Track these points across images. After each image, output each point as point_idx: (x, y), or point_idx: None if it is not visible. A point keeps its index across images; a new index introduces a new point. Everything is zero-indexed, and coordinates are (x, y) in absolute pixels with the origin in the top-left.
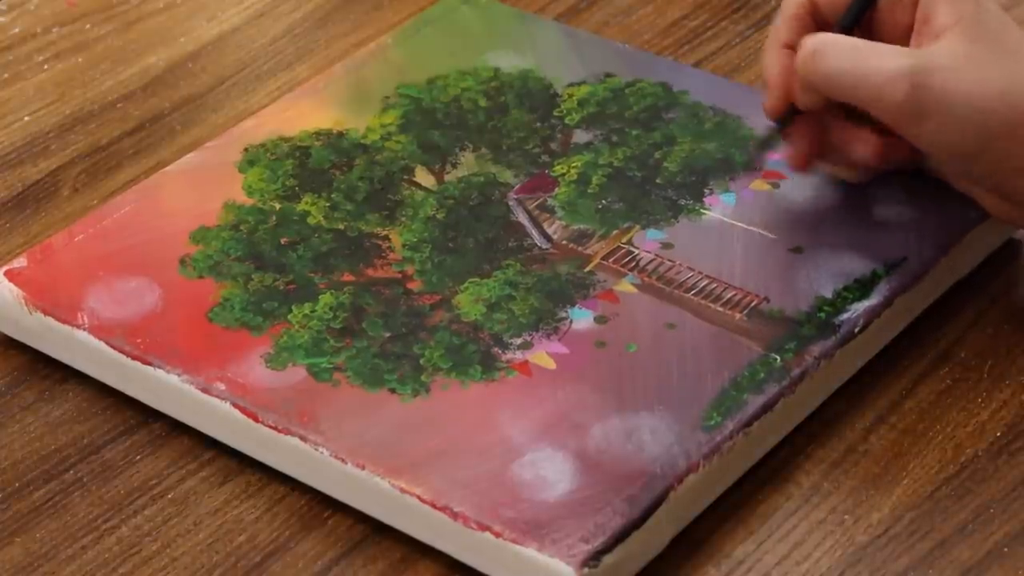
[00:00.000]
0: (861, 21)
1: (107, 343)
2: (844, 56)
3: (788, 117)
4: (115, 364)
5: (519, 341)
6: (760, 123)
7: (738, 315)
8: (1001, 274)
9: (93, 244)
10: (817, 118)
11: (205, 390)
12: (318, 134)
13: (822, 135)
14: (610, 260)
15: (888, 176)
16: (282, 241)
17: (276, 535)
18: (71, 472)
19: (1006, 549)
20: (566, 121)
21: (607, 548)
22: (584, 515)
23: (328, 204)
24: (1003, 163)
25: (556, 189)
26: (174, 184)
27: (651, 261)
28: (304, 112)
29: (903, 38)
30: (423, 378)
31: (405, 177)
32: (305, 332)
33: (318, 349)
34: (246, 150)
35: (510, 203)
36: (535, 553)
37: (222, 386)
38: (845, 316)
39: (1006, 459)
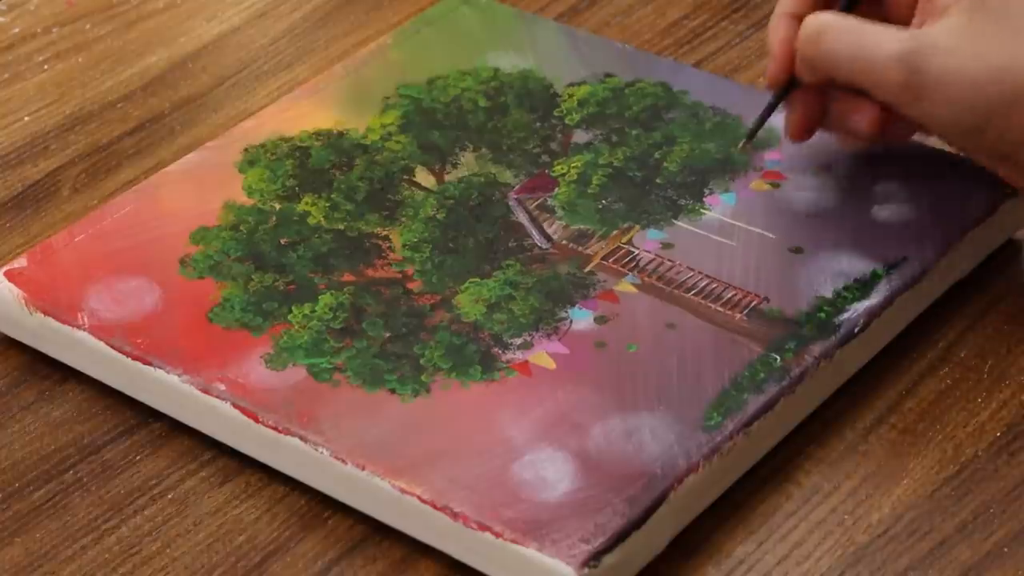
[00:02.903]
0: None
1: (107, 343)
2: (843, 39)
3: (789, 87)
4: (115, 364)
5: (519, 341)
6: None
7: (738, 315)
8: (1001, 274)
9: (93, 244)
10: (818, 88)
11: (205, 390)
12: (318, 134)
13: (822, 105)
14: (610, 260)
15: (888, 175)
16: (282, 241)
17: (276, 535)
18: (71, 472)
19: (1006, 549)
20: (566, 121)
21: (607, 548)
22: (584, 515)
23: (328, 204)
24: (1006, 136)
25: (556, 189)
26: (174, 184)
27: (651, 261)
28: (304, 112)
29: (910, 9)
30: (423, 378)
31: (405, 177)
32: (305, 332)
33: (318, 349)
34: (246, 150)
35: (510, 203)
36: (535, 553)
37: (222, 386)
38: (845, 316)
39: (1006, 459)
